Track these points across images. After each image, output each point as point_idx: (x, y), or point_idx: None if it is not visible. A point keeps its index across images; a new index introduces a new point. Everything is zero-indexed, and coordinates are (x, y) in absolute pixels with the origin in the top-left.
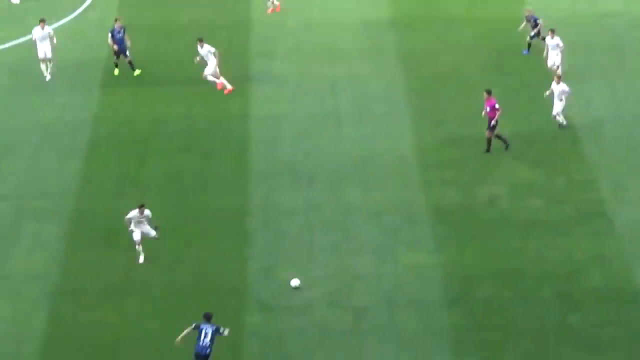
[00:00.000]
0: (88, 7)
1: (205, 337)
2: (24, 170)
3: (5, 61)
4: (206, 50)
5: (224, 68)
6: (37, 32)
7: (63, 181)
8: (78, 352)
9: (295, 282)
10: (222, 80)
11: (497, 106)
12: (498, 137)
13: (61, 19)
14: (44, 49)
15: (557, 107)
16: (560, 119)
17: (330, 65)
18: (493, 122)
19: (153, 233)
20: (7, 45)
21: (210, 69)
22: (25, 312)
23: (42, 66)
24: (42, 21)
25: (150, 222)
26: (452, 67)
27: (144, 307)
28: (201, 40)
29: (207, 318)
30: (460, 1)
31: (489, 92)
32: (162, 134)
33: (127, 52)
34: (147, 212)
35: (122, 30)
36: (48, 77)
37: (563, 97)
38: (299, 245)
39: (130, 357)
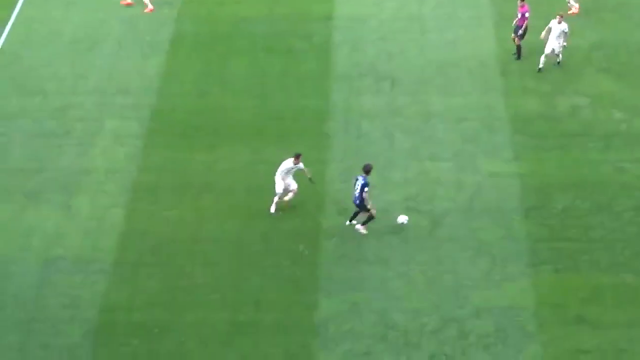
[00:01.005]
0: None
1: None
2: (107, 67)
3: None
4: None
5: None
6: None
7: (145, 78)
8: (154, 249)
9: (402, 218)
10: None
11: (527, 14)
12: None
13: None
14: None
15: (555, 45)
16: (559, 57)
17: None
18: (521, 30)
19: (294, 187)
20: None
21: None
22: (104, 206)
23: None
24: None
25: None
26: None
27: (221, 206)
28: None
29: (366, 171)
30: None
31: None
32: (244, 33)
33: None
34: (300, 164)
35: None
36: None
37: (562, 37)
38: (378, 148)
39: (206, 256)
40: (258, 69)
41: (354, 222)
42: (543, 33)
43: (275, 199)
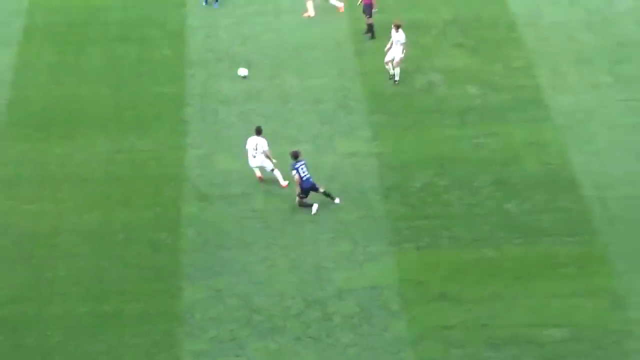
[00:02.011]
0: None
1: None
2: None
3: None
4: None
5: None
6: None
7: None
8: (15, 243)
9: (243, 71)
10: None
11: None
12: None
13: None
14: None
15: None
16: (396, 72)
17: None
18: (375, 9)
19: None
20: None
21: None
22: None
23: None
24: None
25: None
26: None
27: (82, 197)
28: None
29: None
30: None
31: None
32: (98, 21)
33: None
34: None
35: None
36: None
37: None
38: (237, 133)
39: (69, 248)
40: (113, 57)
41: (334, 199)
42: (387, 45)
43: (277, 173)
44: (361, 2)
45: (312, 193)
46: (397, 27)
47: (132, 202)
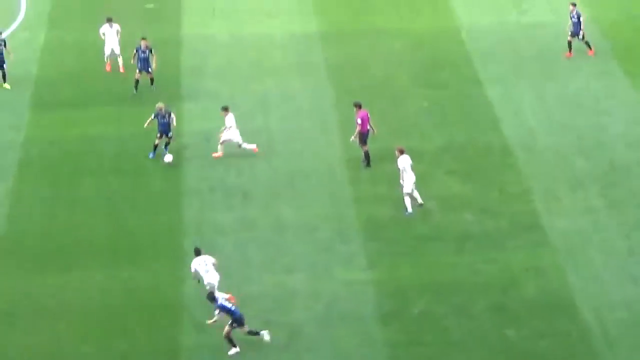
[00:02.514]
0: (19, 26)
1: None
2: None
3: None
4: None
5: (155, 84)
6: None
7: None
8: None
9: (168, 158)
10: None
11: (358, 121)
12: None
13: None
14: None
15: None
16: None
17: (260, 81)
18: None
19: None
20: None
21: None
22: None
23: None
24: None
25: None
26: (382, 79)
27: (79, 330)
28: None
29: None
30: (389, 13)
31: (358, 106)
32: (92, 154)
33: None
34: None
35: (3, 43)
36: None
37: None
38: (233, 263)
39: None
40: (107, 189)
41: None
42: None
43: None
44: (356, 133)
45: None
46: (400, 151)
47: (129, 333)
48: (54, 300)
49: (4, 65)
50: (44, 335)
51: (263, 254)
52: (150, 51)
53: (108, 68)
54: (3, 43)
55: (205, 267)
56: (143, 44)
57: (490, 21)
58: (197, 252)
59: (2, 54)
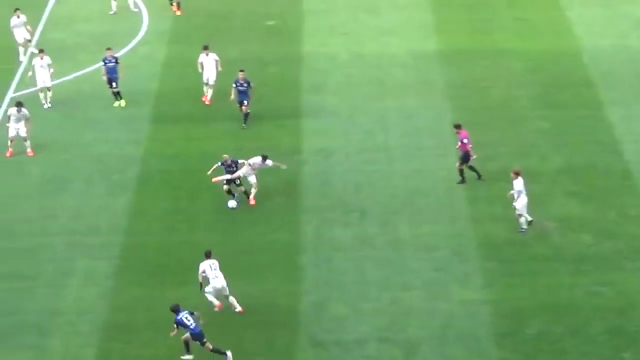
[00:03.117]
0: (139, 41)
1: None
2: (75, 206)
3: (57, 97)
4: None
5: (276, 101)
6: (37, 62)
7: (114, 217)
8: None
9: (232, 204)
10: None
11: (465, 140)
12: (471, 168)
13: (114, 54)
14: (43, 78)
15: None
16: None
17: (379, 99)
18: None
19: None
20: (59, 80)
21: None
22: (76, 347)
23: (41, 95)
24: (41, 51)
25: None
26: (502, 99)
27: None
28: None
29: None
30: (509, 33)
31: (457, 127)
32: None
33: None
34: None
35: (115, 60)
36: (47, 106)
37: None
38: (350, 279)
39: None
40: (226, 204)
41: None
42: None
43: (232, 300)
44: (458, 148)
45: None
46: (516, 174)
47: (246, 349)
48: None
49: (116, 83)
50: (160, 349)
51: (380, 271)
52: (249, 84)
53: (205, 100)
54: (115, 60)
55: (213, 273)
56: (241, 75)
57: (611, 43)
58: (208, 255)
59: (115, 71)
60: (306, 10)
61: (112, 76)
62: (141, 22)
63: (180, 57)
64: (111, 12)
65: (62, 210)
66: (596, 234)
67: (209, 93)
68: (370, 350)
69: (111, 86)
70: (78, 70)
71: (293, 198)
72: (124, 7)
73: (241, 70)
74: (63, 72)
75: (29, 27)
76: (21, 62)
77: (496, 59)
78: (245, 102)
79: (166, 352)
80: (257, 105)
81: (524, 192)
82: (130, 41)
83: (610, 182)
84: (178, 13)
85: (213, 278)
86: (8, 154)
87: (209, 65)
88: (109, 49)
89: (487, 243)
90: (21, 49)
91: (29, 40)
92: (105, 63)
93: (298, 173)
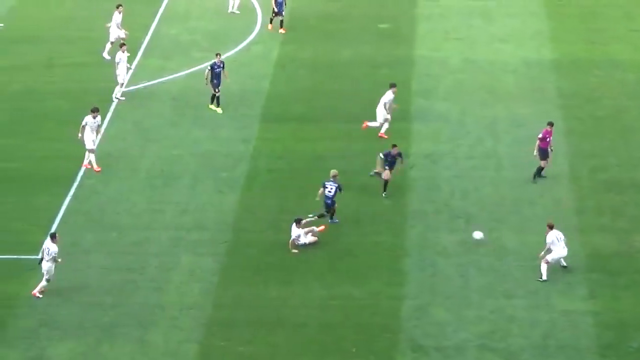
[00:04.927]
0: (252, 40)
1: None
2: (183, 202)
3: (170, 92)
4: None
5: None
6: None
7: (220, 213)
8: None
9: (478, 234)
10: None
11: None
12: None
13: (227, 52)
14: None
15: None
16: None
17: (490, 105)
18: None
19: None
20: (172, 76)
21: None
22: (178, 342)
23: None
24: (123, 45)
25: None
26: (614, 110)
27: (295, 342)
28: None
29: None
30: (624, 44)
31: (550, 124)
32: (320, 169)
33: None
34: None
35: (222, 65)
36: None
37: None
38: (452, 285)
39: None
40: None
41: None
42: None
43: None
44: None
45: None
46: (550, 227)
47: (346, 351)
48: (274, 313)
49: (219, 88)
50: (260, 346)
51: (483, 278)
52: (223, 66)
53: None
54: (223, 66)
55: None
56: (217, 59)
57: None
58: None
59: (220, 76)
60: (419, 14)
61: (218, 81)
62: (256, 21)
63: (292, 58)
64: (231, 11)
65: (169, 205)
66: None
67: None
68: (470, 358)
69: (216, 90)
70: (190, 67)
71: (399, 201)
72: (242, 5)
73: (217, 54)
74: (176, 68)
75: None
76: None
77: (609, 70)
78: (219, 84)
79: (267, 350)
80: (368, 107)
81: (558, 244)
82: (243, 40)
83: None
84: (281, 31)
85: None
86: (98, 169)
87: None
88: (218, 54)
89: (593, 254)
90: (109, 47)
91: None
92: (214, 69)
93: (405, 176)
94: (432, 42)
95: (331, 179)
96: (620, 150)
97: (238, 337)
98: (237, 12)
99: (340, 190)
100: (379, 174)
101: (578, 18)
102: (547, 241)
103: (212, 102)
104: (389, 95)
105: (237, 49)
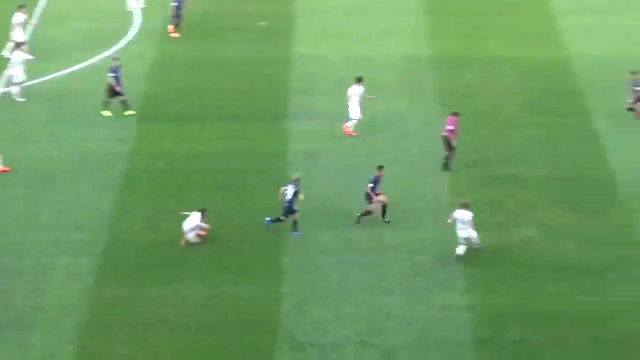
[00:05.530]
0: (131, 40)
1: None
2: (61, 203)
3: (47, 93)
4: None
5: (265, 102)
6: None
7: (99, 214)
8: None
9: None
10: None
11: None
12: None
13: (104, 52)
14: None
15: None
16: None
17: (368, 102)
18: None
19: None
20: (49, 77)
21: None
22: (55, 343)
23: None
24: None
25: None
26: (492, 106)
27: (175, 343)
28: None
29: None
30: (501, 40)
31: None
32: (199, 169)
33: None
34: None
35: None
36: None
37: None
38: (331, 282)
39: None
40: (211, 205)
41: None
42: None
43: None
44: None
45: None
46: (464, 205)
47: (226, 350)
48: (153, 313)
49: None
50: (139, 347)
51: (362, 275)
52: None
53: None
54: (119, 68)
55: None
56: (116, 63)
57: (601, 52)
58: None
59: (119, 78)
60: (298, 11)
61: (120, 85)
62: (133, 20)
63: (171, 57)
64: (131, 9)
65: (47, 206)
66: (580, 243)
67: None
68: (349, 354)
69: (121, 94)
70: (69, 67)
71: (278, 200)
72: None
73: (115, 58)
74: (55, 68)
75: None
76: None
77: (487, 66)
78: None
79: (146, 351)
80: (246, 106)
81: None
82: (121, 39)
83: (595, 191)
84: (176, 35)
85: None
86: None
87: None
88: (116, 58)
89: (472, 248)
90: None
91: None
92: (117, 72)
93: (284, 175)
94: (310, 40)
95: (291, 182)
96: (498, 145)
97: (116, 338)
98: (144, 6)
99: (296, 195)
100: (369, 212)
101: (456, 15)
102: (467, 218)
103: (126, 109)
104: (357, 89)
105: (115, 49)
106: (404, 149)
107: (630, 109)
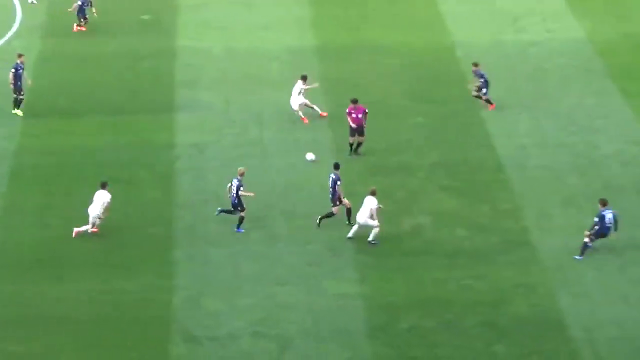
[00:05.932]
0: (13, 35)
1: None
2: None
3: None
4: None
5: (150, 96)
6: None
7: None
8: None
9: (310, 156)
10: None
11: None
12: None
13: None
14: None
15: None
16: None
17: (255, 94)
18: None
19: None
20: None
21: None
22: None
23: None
24: None
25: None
26: (379, 95)
27: (69, 338)
28: None
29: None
30: (386, 29)
31: (354, 102)
32: (87, 163)
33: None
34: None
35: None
36: None
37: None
38: (224, 274)
39: None
40: None
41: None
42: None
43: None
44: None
45: None
46: (372, 194)
47: (120, 344)
48: (46, 310)
49: (23, 92)
50: (33, 344)
51: (254, 266)
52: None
53: None
54: (22, 68)
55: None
56: (21, 60)
57: (486, 39)
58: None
59: (22, 79)
60: (180, 4)
61: (21, 83)
62: (15, 15)
63: (55, 51)
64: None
65: None
66: (469, 228)
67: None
68: (244, 345)
69: (20, 94)
70: None
71: (167, 192)
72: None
73: (20, 55)
74: None
75: None
76: None
77: (373, 55)
78: (21, 86)
79: (41, 348)
80: (132, 99)
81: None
82: (3, 35)
83: (483, 177)
84: (83, 29)
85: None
86: None
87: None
88: (20, 55)
89: (362, 237)
90: None
91: None
92: (17, 70)
93: (172, 168)
94: (193, 32)
95: (237, 176)
96: (387, 134)
97: (10, 336)
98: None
99: (239, 188)
100: (332, 213)
101: (340, 4)
102: (373, 206)
103: (15, 107)
104: (300, 85)
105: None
106: (290, 140)
107: (477, 97)
